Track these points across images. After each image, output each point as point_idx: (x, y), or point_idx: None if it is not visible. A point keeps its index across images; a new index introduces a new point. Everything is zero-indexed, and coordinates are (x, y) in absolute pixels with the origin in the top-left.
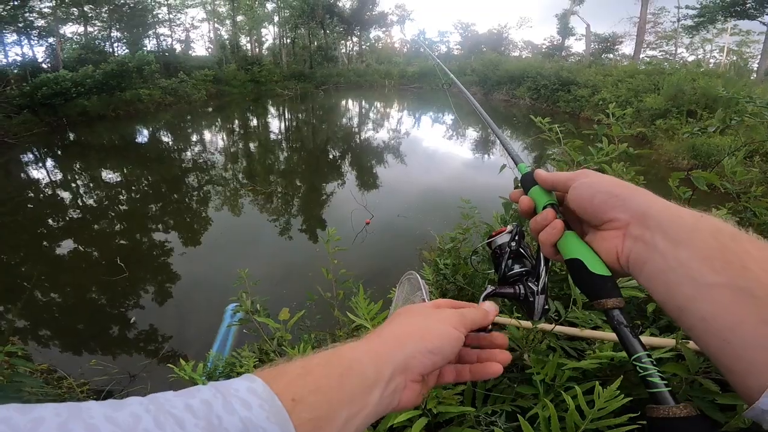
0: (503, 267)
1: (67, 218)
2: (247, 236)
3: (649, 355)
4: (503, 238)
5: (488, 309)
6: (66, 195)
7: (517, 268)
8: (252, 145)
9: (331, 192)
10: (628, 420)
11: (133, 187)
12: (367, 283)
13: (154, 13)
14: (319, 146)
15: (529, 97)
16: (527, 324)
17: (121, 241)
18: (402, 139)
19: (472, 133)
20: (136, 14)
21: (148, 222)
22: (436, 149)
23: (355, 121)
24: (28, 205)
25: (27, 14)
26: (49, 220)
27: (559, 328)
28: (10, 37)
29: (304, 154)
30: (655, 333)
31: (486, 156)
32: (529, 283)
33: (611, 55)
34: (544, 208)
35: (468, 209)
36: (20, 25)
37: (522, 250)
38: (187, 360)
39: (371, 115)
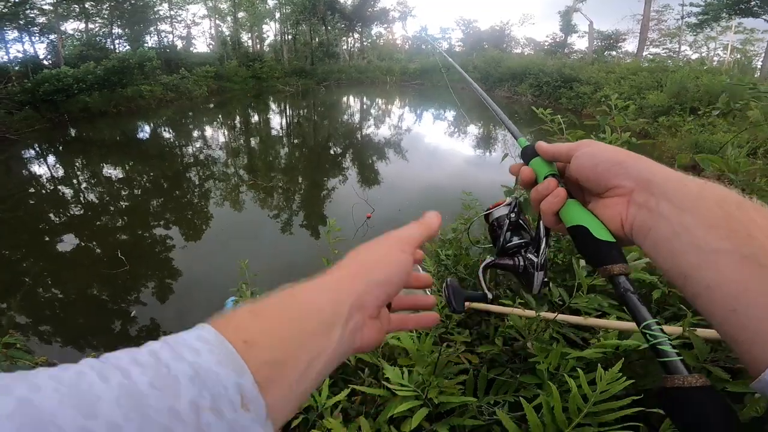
0: (502, 239)
1: (69, 214)
2: (248, 232)
3: (658, 323)
4: (501, 211)
5: (430, 217)
6: (67, 191)
7: (515, 240)
8: (253, 141)
9: (333, 187)
10: (631, 402)
11: (135, 183)
12: None
13: (155, 9)
14: (321, 142)
15: (531, 94)
16: (531, 313)
17: (122, 237)
18: (403, 136)
19: (473, 129)
20: (137, 11)
21: (149, 218)
22: (437, 145)
23: (357, 117)
24: (30, 201)
25: (28, 11)
26: (51, 215)
27: (562, 317)
28: (11, 34)
29: (306, 150)
30: (661, 322)
31: (488, 152)
32: (529, 254)
33: (614, 53)
34: (546, 178)
35: (469, 200)
36: (21, 22)
37: (521, 222)
38: None
39: (372, 111)
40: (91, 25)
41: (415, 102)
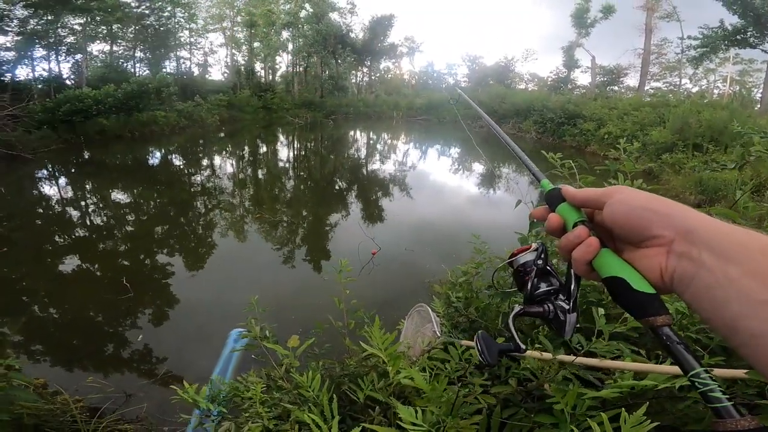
0: (529, 286)
1: (75, 237)
2: (253, 263)
3: (707, 371)
4: (527, 257)
5: None
6: (75, 213)
7: (544, 287)
8: (262, 174)
9: (339, 223)
10: None
11: (143, 210)
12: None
13: (177, 35)
14: (327, 177)
15: (535, 131)
16: (548, 355)
17: (126, 262)
18: (410, 173)
19: (481, 167)
20: (160, 36)
21: (154, 245)
22: (444, 183)
23: (364, 152)
24: (37, 221)
25: (59, 29)
26: (56, 237)
27: (580, 360)
28: (39, 52)
29: (313, 185)
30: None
31: (495, 190)
32: (559, 301)
33: (616, 87)
34: (575, 225)
35: (479, 244)
36: (51, 40)
37: (549, 268)
38: (189, 383)
39: (380, 147)
40: (115, 48)
41: (423, 138)
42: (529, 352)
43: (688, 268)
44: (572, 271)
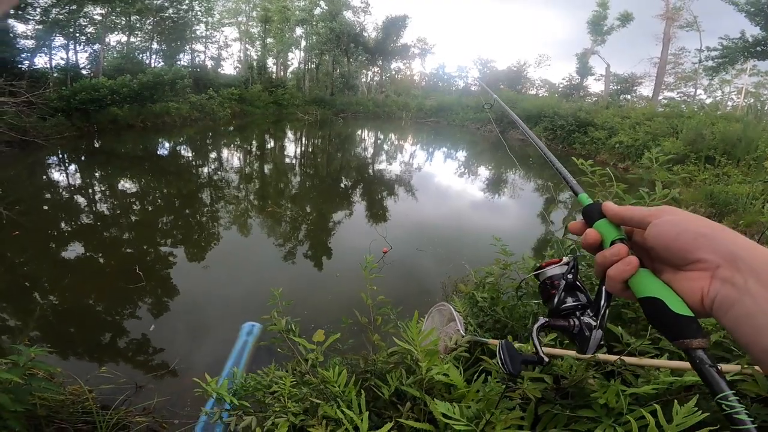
0: (556, 300)
1: (83, 223)
2: (263, 258)
3: (735, 394)
4: (555, 270)
5: None
6: (83, 201)
7: (570, 301)
8: (268, 169)
9: (350, 221)
10: None
11: (152, 200)
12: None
13: (193, 29)
14: (335, 176)
15: (545, 138)
16: (586, 356)
17: (129, 250)
18: (422, 175)
19: (494, 173)
20: (177, 28)
21: (165, 235)
22: (456, 187)
23: (372, 152)
24: (44, 207)
25: (80, 19)
26: (64, 224)
27: (617, 358)
28: (58, 41)
29: (318, 182)
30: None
31: (504, 196)
32: (585, 317)
33: (629, 96)
34: (613, 243)
35: (500, 246)
36: (71, 30)
37: (578, 283)
38: (200, 375)
39: (392, 148)
40: (132, 39)
41: (433, 140)
42: (564, 352)
43: (731, 293)
44: (603, 288)
